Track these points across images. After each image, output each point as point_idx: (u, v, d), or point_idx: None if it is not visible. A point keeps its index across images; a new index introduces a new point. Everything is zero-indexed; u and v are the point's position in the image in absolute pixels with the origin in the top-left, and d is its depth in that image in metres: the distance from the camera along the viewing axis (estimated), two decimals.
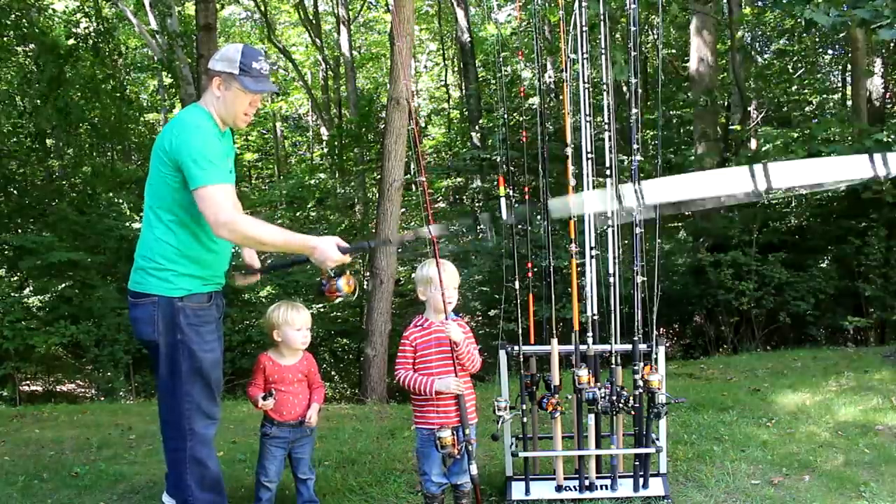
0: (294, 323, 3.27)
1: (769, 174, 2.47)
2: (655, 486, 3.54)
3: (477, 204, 14.56)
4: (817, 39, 13.51)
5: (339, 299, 3.00)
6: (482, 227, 3.16)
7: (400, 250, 12.51)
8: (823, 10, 6.43)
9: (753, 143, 12.40)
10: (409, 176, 8.04)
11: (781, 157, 9.80)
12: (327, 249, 2.87)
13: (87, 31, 11.83)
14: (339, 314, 13.25)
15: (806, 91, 14.75)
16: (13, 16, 10.33)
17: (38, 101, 10.93)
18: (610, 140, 3.54)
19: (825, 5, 6.64)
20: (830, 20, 6.27)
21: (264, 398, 3.24)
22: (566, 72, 3.62)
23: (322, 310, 12.99)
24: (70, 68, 11.09)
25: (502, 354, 3.55)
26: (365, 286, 7.56)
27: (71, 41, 11.82)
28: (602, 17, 3.58)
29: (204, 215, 2.80)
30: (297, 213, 15.24)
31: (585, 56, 3.52)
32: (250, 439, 4.76)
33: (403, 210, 15.13)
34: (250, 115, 3.02)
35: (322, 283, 2.96)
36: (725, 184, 2.64)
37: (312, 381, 3.43)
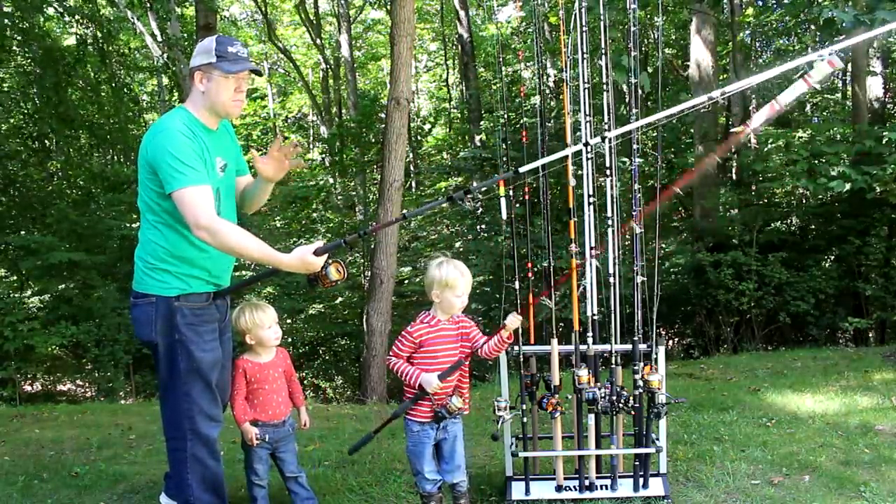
0: (263, 323, 3.27)
1: None
2: (655, 486, 3.54)
3: (477, 203, 14.55)
4: (817, 40, 13.49)
5: (332, 286, 3.00)
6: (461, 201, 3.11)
7: (400, 254, 12.51)
8: (842, 10, 6.40)
9: (754, 142, 12.40)
10: (410, 177, 8.07)
11: (782, 158, 9.81)
12: (305, 262, 2.85)
13: (85, 31, 11.84)
14: (339, 314, 13.27)
15: (806, 91, 14.72)
16: (15, 17, 10.32)
17: (41, 105, 10.92)
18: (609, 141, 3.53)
19: (843, 4, 6.61)
20: (851, 18, 6.22)
21: (259, 435, 3.26)
22: (566, 72, 3.63)
23: (322, 311, 13.01)
24: (72, 70, 11.09)
25: (502, 354, 3.54)
26: (364, 285, 7.57)
27: (70, 41, 11.83)
28: (602, 17, 3.58)
29: (184, 218, 2.80)
30: (299, 214, 15.24)
31: (585, 56, 3.52)
32: None
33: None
34: (240, 100, 2.98)
35: (311, 277, 2.97)
36: None
37: (290, 375, 3.45)
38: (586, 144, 3.36)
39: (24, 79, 11.82)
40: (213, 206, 2.85)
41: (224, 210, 3.03)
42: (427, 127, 20.91)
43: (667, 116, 3.06)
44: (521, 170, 3.15)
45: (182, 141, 2.81)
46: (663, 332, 11.11)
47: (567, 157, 3.42)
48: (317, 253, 2.86)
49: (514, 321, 3.11)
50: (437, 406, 3.13)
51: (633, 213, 3.53)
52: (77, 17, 11.56)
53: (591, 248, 3.49)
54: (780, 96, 2.84)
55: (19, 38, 10.71)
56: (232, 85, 2.91)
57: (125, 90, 13.24)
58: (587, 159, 3.49)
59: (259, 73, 3.03)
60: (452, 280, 3.12)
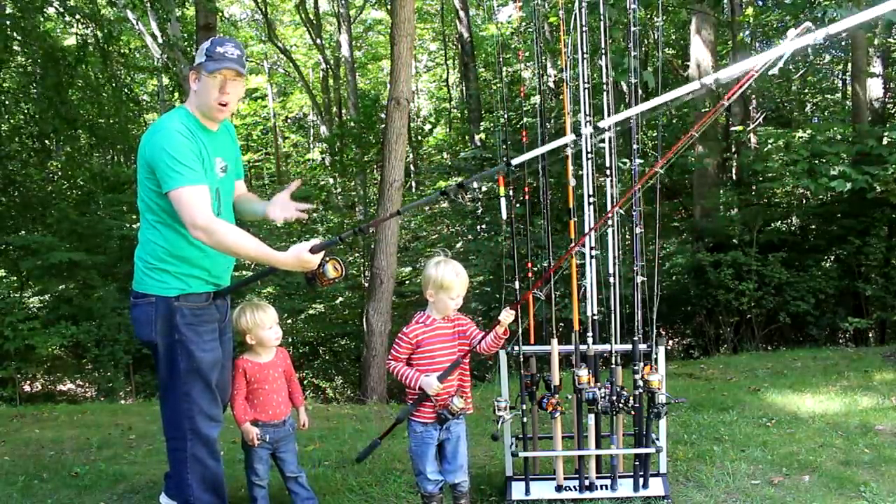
0: (264, 323, 3.26)
1: None
2: (655, 486, 3.54)
3: (477, 202, 14.56)
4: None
5: (331, 284, 2.98)
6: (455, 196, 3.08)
7: (400, 255, 12.49)
8: (848, 10, 6.42)
9: (754, 141, 12.39)
10: (410, 177, 8.07)
11: (782, 158, 9.81)
12: (302, 260, 2.84)
13: (85, 31, 11.83)
14: (339, 314, 13.26)
15: (806, 91, 14.74)
16: (17, 17, 10.32)
17: (45, 105, 10.91)
18: (610, 141, 3.54)
19: (847, 4, 6.63)
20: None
21: (259, 435, 3.26)
22: (566, 72, 3.63)
23: (322, 311, 13.00)
24: (73, 70, 11.10)
25: (502, 354, 3.54)
26: (364, 285, 7.56)
27: (70, 41, 11.82)
28: (602, 17, 3.58)
29: (180, 217, 2.80)
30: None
31: (585, 56, 3.52)
32: None
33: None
34: (227, 103, 2.94)
35: (309, 276, 2.95)
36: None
37: (290, 375, 3.44)
38: (579, 135, 3.34)
39: (25, 79, 11.82)
40: (210, 205, 2.84)
41: (223, 211, 3.03)
42: (428, 127, 20.93)
43: (658, 106, 3.04)
44: (514, 161, 3.13)
45: (179, 140, 2.81)
46: (663, 332, 11.11)
47: (563, 147, 3.39)
48: (313, 250, 2.84)
49: (507, 316, 3.11)
50: (440, 408, 3.13)
51: (633, 213, 3.53)
52: (78, 16, 11.55)
53: (591, 229, 3.49)
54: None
55: (19, 38, 10.70)
56: (216, 85, 2.89)
57: (126, 91, 13.23)
58: (587, 159, 3.49)
59: (240, 73, 2.92)
60: (448, 282, 3.12)
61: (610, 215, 3.49)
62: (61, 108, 10.60)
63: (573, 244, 3.48)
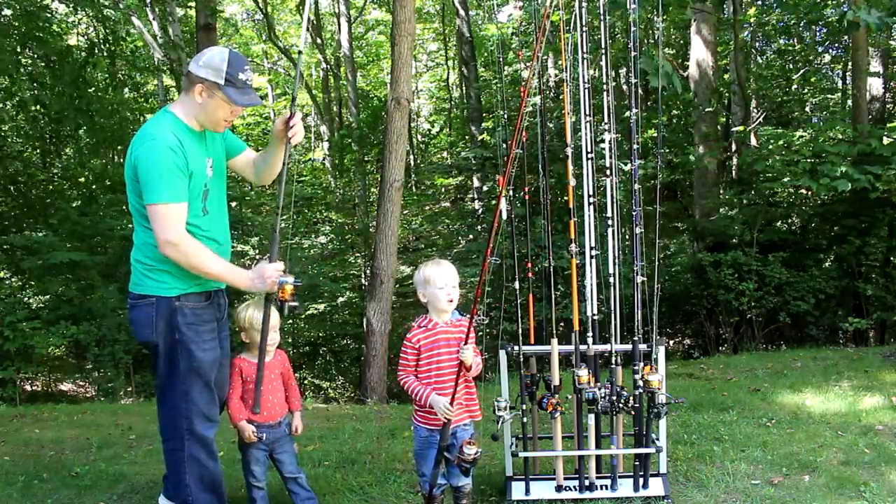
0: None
1: None
2: (655, 486, 3.54)
3: (478, 202, 14.57)
4: (818, 39, 13.50)
5: (292, 290, 2.94)
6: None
7: (401, 255, 12.47)
8: (866, 10, 6.45)
9: (754, 142, 12.39)
10: (411, 177, 8.06)
11: (784, 158, 9.80)
12: (263, 271, 2.89)
13: (87, 31, 11.85)
14: (339, 314, 13.28)
15: (806, 91, 14.73)
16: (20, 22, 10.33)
17: (63, 103, 10.89)
18: (610, 142, 3.54)
19: (867, 6, 6.66)
20: (876, 20, 6.27)
21: (256, 433, 3.26)
22: (566, 72, 3.63)
23: (323, 311, 13.02)
24: (82, 70, 11.10)
25: (502, 354, 3.55)
26: (364, 285, 7.55)
27: (73, 41, 11.81)
28: (602, 19, 3.58)
29: (153, 231, 2.83)
30: (301, 216, 15.24)
31: (586, 56, 3.52)
32: None
33: (405, 212, 15.18)
34: (230, 122, 3.03)
35: (279, 302, 2.94)
36: None
37: (288, 378, 3.43)
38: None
39: (31, 81, 11.81)
40: (184, 223, 2.85)
41: (212, 208, 3.03)
42: (436, 129, 20.92)
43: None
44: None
45: (166, 155, 2.80)
46: (663, 333, 11.10)
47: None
48: (269, 260, 2.92)
49: (465, 356, 3.07)
50: (457, 461, 3.09)
51: (634, 213, 3.54)
52: (81, 14, 11.56)
53: (591, 249, 3.49)
54: None
55: (17, 36, 10.70)
56: (230, 109, 2.93)
57: (135, 91, 13.28)
58: (587, 159, 3.50)
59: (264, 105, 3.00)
60: (429, 274, 3.13)
61: (616, 236, 3.49)
62: (80, 103, 10.61)
63: (580, 257, 3.47)
